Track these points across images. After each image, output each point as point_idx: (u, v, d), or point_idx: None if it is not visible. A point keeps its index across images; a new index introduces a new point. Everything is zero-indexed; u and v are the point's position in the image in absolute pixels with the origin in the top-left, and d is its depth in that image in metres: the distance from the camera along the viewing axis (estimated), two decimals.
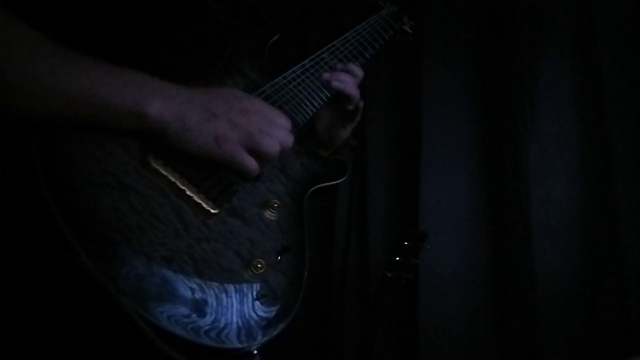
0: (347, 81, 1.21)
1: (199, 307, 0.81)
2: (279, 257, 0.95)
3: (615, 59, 2.34)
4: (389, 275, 2.10)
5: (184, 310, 0.80)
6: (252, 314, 0.87)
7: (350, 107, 1.24)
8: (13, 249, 0.84)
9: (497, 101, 2.61)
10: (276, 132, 0.94)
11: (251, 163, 0.91)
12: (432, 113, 2.67)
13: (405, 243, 2.13)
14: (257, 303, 0.88)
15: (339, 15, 2.85)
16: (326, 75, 1.20)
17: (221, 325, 0.83)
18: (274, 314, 0.89)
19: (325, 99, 1.20)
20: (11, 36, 0.81)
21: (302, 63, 1.20)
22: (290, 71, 1.16)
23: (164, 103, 0.86)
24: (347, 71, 1.23)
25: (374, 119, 2.77)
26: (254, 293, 0.89)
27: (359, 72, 1.24)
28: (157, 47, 1.00)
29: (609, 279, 2.25)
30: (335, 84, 1.19)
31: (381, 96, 2.75)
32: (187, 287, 0.81)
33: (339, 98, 1.22)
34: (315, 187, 1.12)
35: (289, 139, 0.96)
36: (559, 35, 2.48)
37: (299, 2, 2.87)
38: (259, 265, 0.90)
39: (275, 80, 1.12)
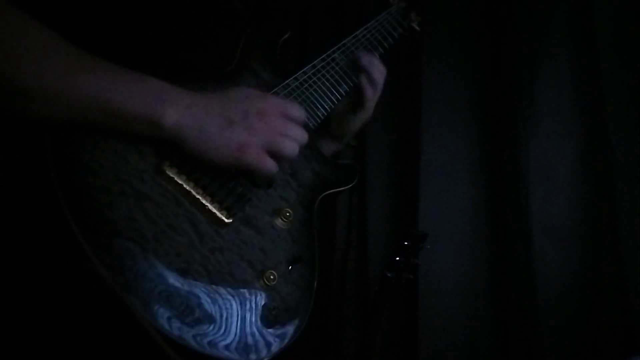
0: (375, 64, 1.27)
1: (211, 319, 0.81)
2: (290, 267, 0.95)
3: (615, 59, 2.34)
4: (389, 275, 2.10)
5: (197, 322, 0.79)
6: (264, 326, 0.87)
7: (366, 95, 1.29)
8: (16, 250, 0.83)
9: (497, 101, 2.61)
10: (293, 131, 0.95)
11: (273, 166, 0.93)
12: (432, 113, 2.66)
13: (405, 243, 2.13)
14: (269, 315, 0.88)
15: (339, 15, 2.83)
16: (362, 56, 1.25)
17: (233, 337, 0.82)
18: (284, 325, 0.90)
19: (337, 101, 1.19)
20: (25, 37, 0.78)
21: (313, 63, 1.18)
22: (301, 72, 1.14)
23: (180, 111, 0.84)
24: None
25: (374, 119, 2.74)
26: (266, 305, 0.88)
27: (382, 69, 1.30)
28: (169, 40, 0.99)
29: (609, 279, 2.25)
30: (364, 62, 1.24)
31: (381, 96, 2.72)
32: (200, 298, 0.81)
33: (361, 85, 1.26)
34: (326, 193, 1.11)
35: (305, 135, 0.98)
36: (559, 35, 2.47)
37: (299, 2, 2.85)
38: (272, 277, 0.90)
39: (287, 81, 1.10)
